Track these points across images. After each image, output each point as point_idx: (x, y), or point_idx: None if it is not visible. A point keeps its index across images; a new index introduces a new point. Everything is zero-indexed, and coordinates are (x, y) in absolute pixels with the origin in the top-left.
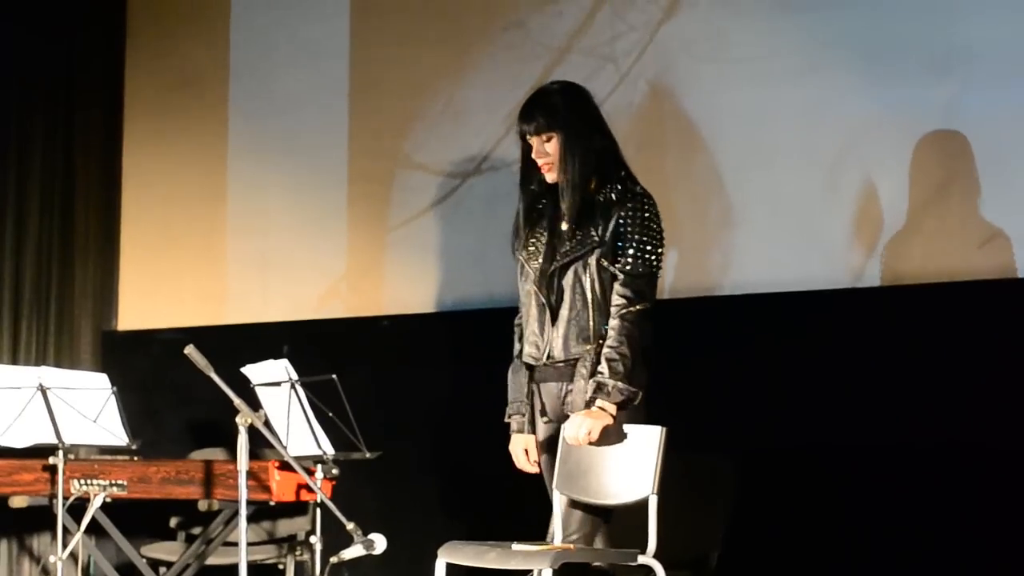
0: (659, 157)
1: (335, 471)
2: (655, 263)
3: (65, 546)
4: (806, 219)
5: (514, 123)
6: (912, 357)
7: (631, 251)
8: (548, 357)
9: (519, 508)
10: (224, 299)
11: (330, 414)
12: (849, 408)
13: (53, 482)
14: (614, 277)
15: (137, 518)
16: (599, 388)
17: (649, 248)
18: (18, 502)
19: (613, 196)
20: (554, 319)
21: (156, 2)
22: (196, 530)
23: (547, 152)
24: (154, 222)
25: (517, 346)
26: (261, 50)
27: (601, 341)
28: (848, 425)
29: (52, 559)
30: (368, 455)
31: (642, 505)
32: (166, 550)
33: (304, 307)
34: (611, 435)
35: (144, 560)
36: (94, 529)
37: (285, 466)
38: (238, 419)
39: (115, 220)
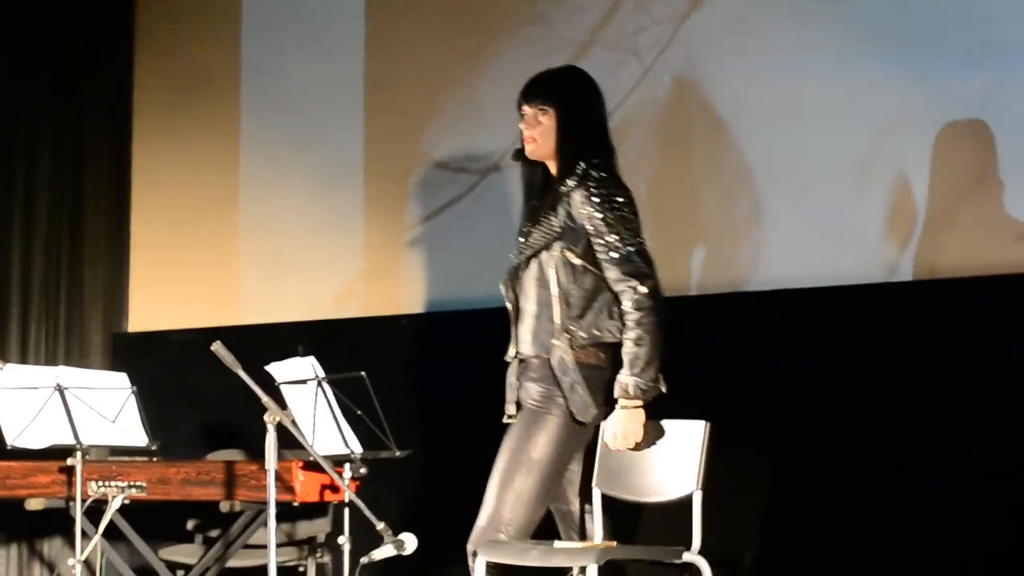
0: (685, 153)
1: (363, 470)
2: (636, 236)
3: (83, 549)
4: (838, 213)
5: None
6: (948, 352)
7: (611, 234)
8: (519, 354)
9: None
10: (237, 299)
11: (359, 412)
12: (884, 405)
13: (70, 484)
14: (585, 268)
15: (152, 520)
16: (623, 389)
17: (626, 224)
18: (34, 504)
19: (571, 183)
20: (518, 314)
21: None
22: (214, 532)
23: (539, 123)
24: (165, 222)
25: None
26: (273, 47)
27: (568, 335)
28: (883, 422)
29: (71, 562)
30: (398, 453)
31: (684, 502)
32: (184, 553)
33: (320, 307)
34: (649, 432)
35: (163, 563)
36: (108, 532)
37: (309, 466)
38: (266, 417)
39: (125, 220)
